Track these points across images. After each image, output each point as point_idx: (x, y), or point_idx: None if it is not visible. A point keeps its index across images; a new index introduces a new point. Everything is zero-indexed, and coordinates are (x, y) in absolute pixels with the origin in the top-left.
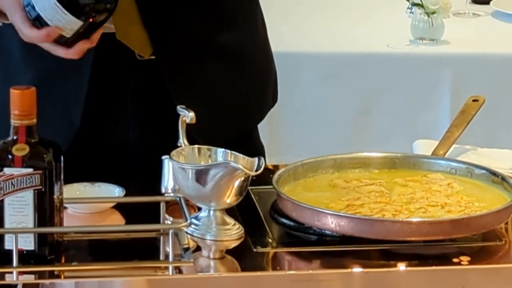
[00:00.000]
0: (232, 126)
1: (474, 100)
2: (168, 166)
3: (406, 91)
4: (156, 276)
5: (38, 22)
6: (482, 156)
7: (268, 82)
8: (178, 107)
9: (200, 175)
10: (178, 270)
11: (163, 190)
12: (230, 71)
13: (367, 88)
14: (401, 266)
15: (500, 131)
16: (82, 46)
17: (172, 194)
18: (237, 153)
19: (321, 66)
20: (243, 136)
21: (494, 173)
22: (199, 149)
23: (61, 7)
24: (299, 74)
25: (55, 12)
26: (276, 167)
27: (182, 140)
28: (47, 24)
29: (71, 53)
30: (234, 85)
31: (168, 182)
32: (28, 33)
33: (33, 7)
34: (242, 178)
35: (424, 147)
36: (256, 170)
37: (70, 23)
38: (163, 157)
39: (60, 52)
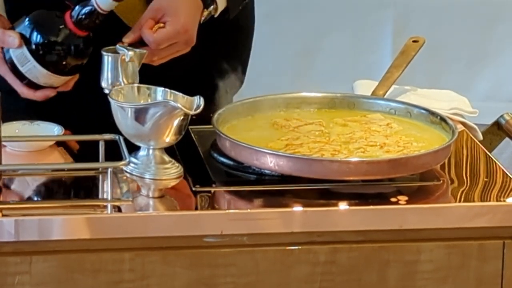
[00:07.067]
0: None
1: (414, 41)
2: (107, 61)
3: (348, 31)
4: (95, 214)
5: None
6: (421, 96)
7: None
8: (117, 45)
9: (139, 114)
10: (117, 209)
11: (103, 85)
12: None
13: (309, 28)
14: (340, 206)
15: (440, 72)
16: (48, 93)
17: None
18: (176, 92)
19: (262, 5)
20: None
21: (432, 114)
22: (138, 88)
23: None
24: None
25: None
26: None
27: (122, 78)
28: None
29: (36, 96)
30: None
31: (107, 76)
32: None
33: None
34: (181, 117)
35: (364, 87)
36: (196, 109)
37: (45, 77)
38: (103, 51)
39: (26, 92)
